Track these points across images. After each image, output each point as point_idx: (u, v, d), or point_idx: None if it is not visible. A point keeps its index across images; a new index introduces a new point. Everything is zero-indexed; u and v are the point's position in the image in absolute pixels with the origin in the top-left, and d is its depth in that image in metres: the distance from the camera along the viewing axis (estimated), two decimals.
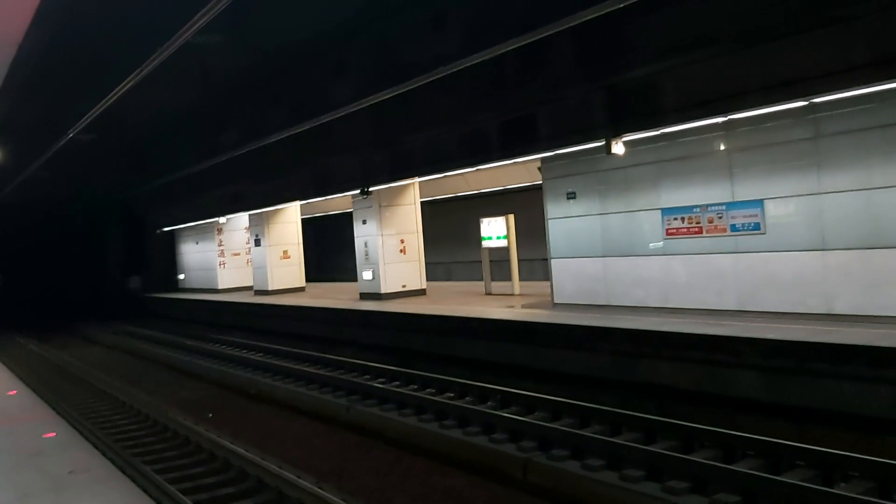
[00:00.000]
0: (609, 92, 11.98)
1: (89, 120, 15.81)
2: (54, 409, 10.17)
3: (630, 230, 13.25)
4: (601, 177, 13.64)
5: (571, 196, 14.20)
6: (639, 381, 10.97)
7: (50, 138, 18.93)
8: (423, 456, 9.52)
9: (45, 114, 16.50)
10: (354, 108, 14.50)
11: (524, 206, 19.51)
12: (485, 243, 18.55)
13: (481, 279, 19.36)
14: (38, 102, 14.58)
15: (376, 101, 14.86)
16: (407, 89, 13.43)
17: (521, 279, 18.43)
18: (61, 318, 34.20)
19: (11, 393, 10.98)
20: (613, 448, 8.20)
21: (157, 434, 11.11)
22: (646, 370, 10.91)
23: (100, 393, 14.80)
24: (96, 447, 7.75)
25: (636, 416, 9.16)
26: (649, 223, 12.89)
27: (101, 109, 14.81)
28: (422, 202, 20.66)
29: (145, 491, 6.78)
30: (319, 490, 7.60)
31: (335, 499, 7.32)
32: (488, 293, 18.48)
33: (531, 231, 18.28)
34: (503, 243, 17.94)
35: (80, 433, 8.40)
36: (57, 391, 14.76)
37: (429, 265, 21.11)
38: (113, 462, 7.36)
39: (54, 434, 8.03)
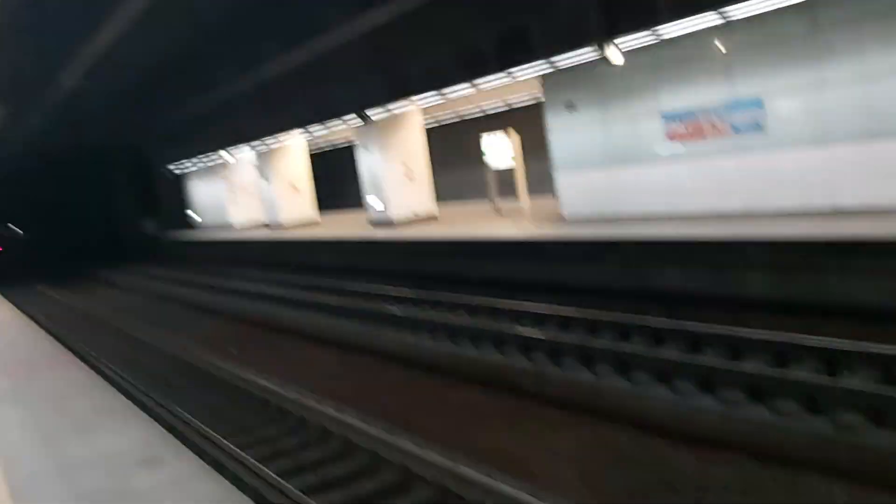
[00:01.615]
0: None
1: (84, 67, 15.70)
2: (77, 354, 10.45)
3: (633, 137, 13.14)
4: (600, 85, 13.43)
5: (571, 107, 14.03)
6: (646, 288, 11.07)
7: (46, 88, 18.84)
8: (440, 375, 9.76)
9: (36, 63, 16.37)
10: (346, 34, 14.29)
11: (528, 122, 19.33)
12: (487, 160, 18.37)
13: (490, 199, 19.34)
14: (29, 51, 14.44)
15: (371, 24, 14.66)
16: (402, 10, 13.22)
17: (529, 195, 18.40)
18: (81, 265, 34.70)
19: (35, 341, 11.28)
20: (622, 356, 8.36)
21: (181, 370, 11.43)
22: (652, 278, 11.00)
23: (121, 335, 15.15)
24: (119, 389, 8.01)
25: (643, 324, 9.29)
26: (651, 129, 12.77)
27: (93, 55, 14.69)
28: (429, 127, 20.51)
29: (169, 429, 7.05)
30: (339, 414, 7.86)
31: (355, 420, 7.58)
32: (497, 212, 18.50)
33: (538, 146, 18.17)
34: (507, 161, 17.82)
35: (103, 376, 8.66)
36: (80, 336, 15.11)
37: (439, 187, 21.11)
38: (134, 403, 7.61)
39: (78, 378, 8.29)
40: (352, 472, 6.74)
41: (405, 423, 7.74)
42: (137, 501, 4.46)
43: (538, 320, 10.72)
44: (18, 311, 15.82)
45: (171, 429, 7.43)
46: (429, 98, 17.03)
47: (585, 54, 12.40)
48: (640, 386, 7.68)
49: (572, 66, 13.11)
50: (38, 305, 21.22)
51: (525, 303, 11.48)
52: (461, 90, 15.93)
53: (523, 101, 19.43)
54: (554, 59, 12.98)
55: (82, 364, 9.40)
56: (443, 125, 23.37)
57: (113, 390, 7.82)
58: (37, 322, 14.95)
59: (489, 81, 15.04)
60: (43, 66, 16.68)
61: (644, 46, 11.95)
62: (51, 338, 11.90)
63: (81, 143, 34.01)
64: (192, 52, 22.50)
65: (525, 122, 19.54)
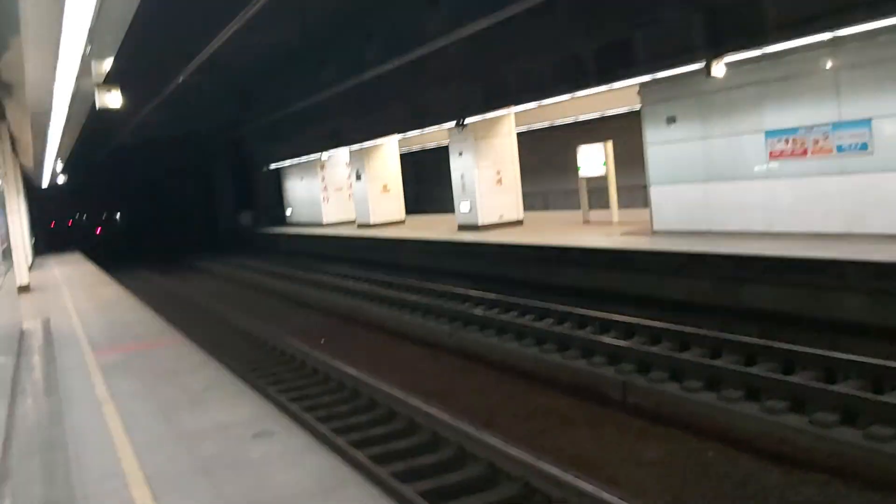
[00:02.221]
0: (708, 11, 11.65)
1: (198, 63, 16.54)
2: (184, 333, 11.05)
3: (732, 154, 13.00)
4: (702, 100, 13.35)
5: (671, 121, 13.98)
6: (741, 306, 10.96)
7: (162, 82, 19.91)
8: (524, 378, 9.93)
9: (157, 59, 17.36)
10: (448, 41, 14.59)
11: (622, 132, 19.27)
12: (581, 171, 18.49)
13: (579, 208, 19.38)
14: (152, 48, 15.38)
15: (470, 32, 14.91)
16: (502, 18, 13.42)
17: (619, 207, 18.35)
18: (178, 252, 36.32)
19: (146, 320, 12.01)
20: (713, 370, 8.35)
21: (275, 357, 11.94)
22: (748, 295, 10.88)
23: (219, 321, 15.88)
24: (224, 367, 8.49)
25: (736, 339, 9.23)
26: (752, 146, 12.61)
27: (209, 53, 15.48)
28: (518, 132, 20.69)
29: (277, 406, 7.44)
30: (427, 407, 8.12)
31: (443, 414, 7.82)
32: (586, 222, 18.52)
33: (630, 158, 18.09)
34: (601, 171, 17.85)
35: (210, 355, 9.18)
36: (181, 319, 15.92)
37: (525, 195, 21.25)
38: (241, 380, 8.06)
39: (187, 356, 8.85)
40: (439, 463, 6.98)
41: (489, 422, 7.94)
42: (251, 468, 4.81)
43: (627, 330, 10.76)
44: (125, 292, 16.77)
45: (278, 405, 7.83)
46: (525, 106, 17.21)
47: (688, 68, 12.34)
48: (729, 401, 7.66)
49: (673, 76, 13.07)
50: (140, 288, 22.37)
51: (613, 313, 11.52)
52: (558, 100, 16.03)
53: (618, 110, 19.35)
54: (656, 74, 12.97)
55: (188, 342, 9.99)
56: (533, 131, 23.47)
57: (219, 368, 8.30)
58: (143, 302, 15.79)
59: (588, 93, 15.09)
60: (164, 63, 17.68)
61: (749, 59, 11.82)
62: (157, 317, 12.62)
63: (187, 136, 35.64)
64: (297, 55, 23.37)
65: (618, 131, 19.49)
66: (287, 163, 33.13)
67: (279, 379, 10.49)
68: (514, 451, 6.56)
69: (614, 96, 17.73)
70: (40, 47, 8.62)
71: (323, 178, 31.50)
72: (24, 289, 16.47)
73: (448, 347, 11.96)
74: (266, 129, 31.62)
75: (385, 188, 26.70)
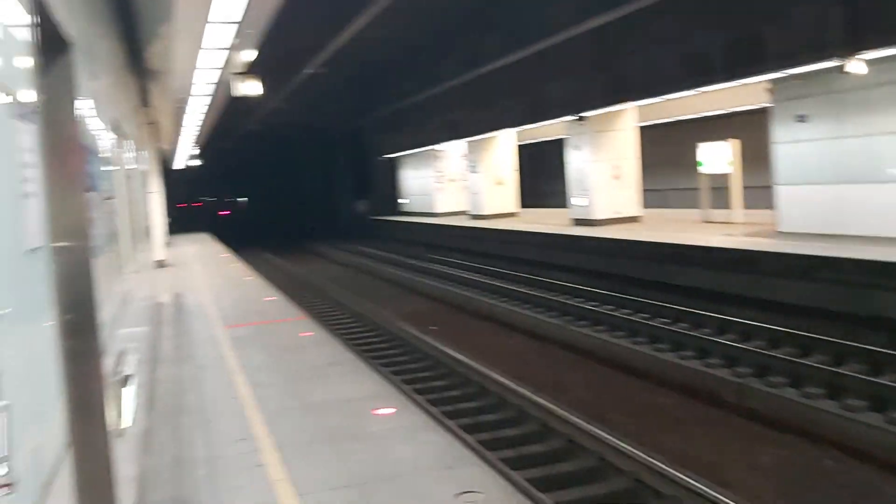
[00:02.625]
0: (847, 4, 11.11)
1: (326, 56, 17.19)
2: (305, 313, 11.56)
3: (867, 155, 12.35)
4: (836, 98, 12.74)
5: (802, 119, 13.41)
6: (869, 313, 10.45)
7: (291, 73, 20.78)
8: (636, 376, 9.85)
9: (288, 51, 18.15)
10: (571, 34, 14.53)
11: (745, 130, 18.60)
12: (703, 168, 17.98)
13: (699, 207, 18.87)
14: (285, 41, 16.08)
15: (595, 25, 14.81)
16: (628, 12, 13.27)
17: (742, 207, 17.74)
18: (297, 237, 37.70)
19: (270, 299, 12.63)
20: (835, 377, 8.04)
21: (389, 341, 12.31)
22: (878, 302, 10.36)
23: (336, 303, 16.47)
24: (344, 345, 8.87)
25: (862, 347, 8.84)
26: (890, 148, 11.95)
27: (336, 46, 16.06)
28: (637, 127, 20.33)
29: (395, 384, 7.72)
30: (537, 398, 8.21)
31: (552, 405, 7.89)
32: (706, 221, 18.03)
33: (752, 156, 17.45)
34: (724, 169, 17.30)
35: (330, 333, 9.60)
36: (301, 299, 16.60)
37: (644, 192, 20.87)
38: (360, 358, 8.40)
39: (308, 333, 9.28)
40: (548, 452, 7.06)
41: (599, 416, 7.94)
42: (372, 441, 5.06)
43: (745, 333, 10.48)
44: (251, 271, 17.62)
45: (394, 384, 8.12)
46: (646, 101, 16.92)
47: (823, 65, 11.82)
48: (851, 410, 7.37)
49: (805, 73, 12.54)
50: (263, 268, 23.42)
51: (732, 314, 11.24)
52: (681, 95, 15.67)
53: (744, 106, 18.68)
54: (788, 71, 12.48)
55: (309, 320, 10.46)
56: (654, 126, 22.97)
57: (339, 345, 8.68)
58: (266, 280, 16.58)
59: (712, 89, 14.69)
60: (294, 55, 18.47)
61: (890, 57, 11.20)
62: (280, 295, 13.23)
63: (310, 125, 36.92)
64: (419, 47, 23.81)
65: (742, 128, 18.83)
66: (403, 153, 33.77)
67: (392, 361, 10.83)
68: (624, 446, 6.57)
69: (740, 93, 17.16)
70: (187, 37, 9.19)
71: (438, 169, 31.93)
72: (160, 264, 17.60)
73: (559, 341, 11.97)
74: (384, 120, 32.38)
75: (499, 180, 26.80)
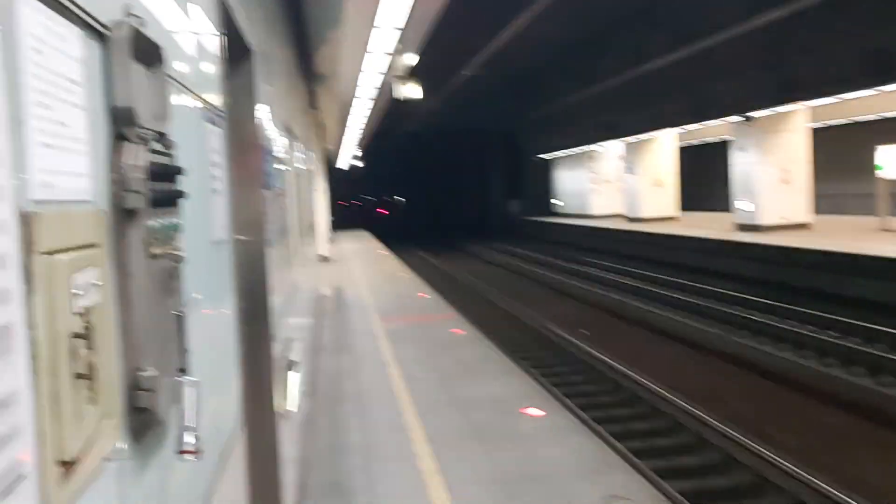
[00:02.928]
0: None
1: (483, 58, 17.40)
2: (457, 310, 11.78)
3: None
4: None
5: None
6: None
7: (448, 76, 21.20)
8: (800, 391, 9.27)
9: (447, 54, 18.53)
10: (738, 31, 13.89)
11: None
12: (880, 173, 16.63)
13: (875, 214, 17.47)
14: (444, 44, 16.44)
15: (763, 21, 14.08)
16: (801, 7, 12.52)
17: None
18: (451, 236, 38.38)
19: (423, 295, 12.96)
20: None
21: (539, 342, 12.28)
22: None
23: (486, 302, 16.62)
24: (494, 344, 8.95)
25: None
26: None
27: (493, 48, 16.21)
28: (809, 128, 19.12)
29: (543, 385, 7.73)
30: (691, 407, 7.92)
31: (709, 417, 7.59)
32: (885, 229, 16.67)
33: None
34: None
35: (480, 331, 9.72)
36: (452, 297, 16.89)
37: (815, 197, 19.61)
38: (509, 357, 8.45)
39: (460, 331, 9.45)
40: (702, 466, 6.81)
41: (758, 431, 7.54)
42: (520, 440, 5.09)
43: None
44: (406, 267, 18.15)
45: (543, 385, 8.12)
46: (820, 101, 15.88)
47: None
48: None
49: None
50: (417, 265, 24.03)
51: None
52: (860, 95, 14.59)
53: None
54: None
55: (461, 318, 10.65)
56: (827, 127, 21.50)
57: (490, 343, 8.78)
58: (419, 277, 17.01)
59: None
60: (452, 57, 18.85)
61: None
62: (434, 292, 13.55)
63: (465, 127, 37.51)
64: (577, 46, 23.57)
65: None
66: (557, 154, 33.55)
67: (540, 363, 10.80)
68: (784, 464, 6.22)
69: None
70: (354, 41, 9.60)
71: (593, 170, 31.48)
72: (323, 259, 18.49)
73: (716, 351, 11.47)
74: (539, 121, 32.31)
75: (658, 182, 26.03)
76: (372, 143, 31.34)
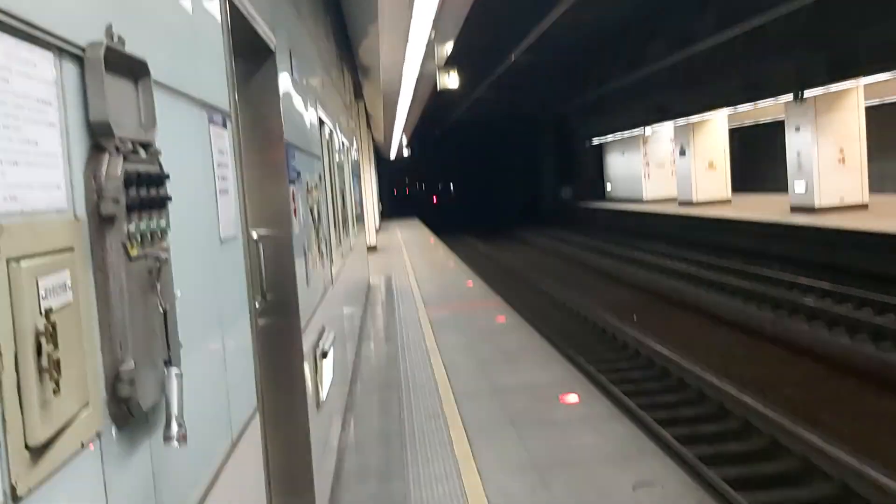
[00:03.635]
0: None
1: (529, 42, 17.28)
2: (502, 297, 11.83)
3: None
4: None
5: None
6: None
7: (495, 62, 21.13)
8: (855, 376, 9.07)
9: (492, 40, 18.48)
10: (790, 8, 13.52)
11: None
12: None
13: None
14: (488, 31, 16.41)
15: None
16: None
17: None
18: (502, 223, 38.34)
19: (470, 284, 13.03)
20: None
21: (588, 328, 12.25)
22: None
23: (536, 289, 16.61)
24: (537, 331, 8.97)
25: None
26: None
27: (539, 32, 16.09)
28: (867, 106, 18.49)
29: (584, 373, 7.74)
30: (741, 395, 7.82)
31: (757, 404, 7.49)
32: None
33: None
34: None
35: (524, 319, 9.75)
36: (500, 284, 16.93)
37: (872, 176, 18.99)
38: (551, 344, 8.46)
39: (504, 318, 9.49)
40: (749, 452, 6.74)
41: (810, 418, 7.42)
42: (556, 427, 5.13)
43: None
44: (455, 256, 18.24)
45: (585, 373, 8.13)
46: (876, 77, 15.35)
47: None
48: None
49: None
50: (467, 254, 24.13)
51: None
52: None
53: None
54: None
55: (506, 305, 10.69)
56: (884, 105, 20.75)
57: (533, 331, 8.80)
58: (467, 265, 17.10)
59: None
60: (497, 44, 18.78)
61: None
62: (480, 280, 13.60)
63: (515, 113, 37.35)
64: (625, 29, 23.24)
65: None
66: (609, 138, 33.18)
67: (588, 349, 10.77)
68: (833, 450, 6.11)
69: None
70: (393, 33, 9.70)
71: (645, 154, 31.04)
72: (371, 249, 18.72)
73: (769, 336, 11.28)
74: (589, 105, 31.96)
75: (710, 165, 25.53)
76: (421, 133, 31.51)
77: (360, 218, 13.83)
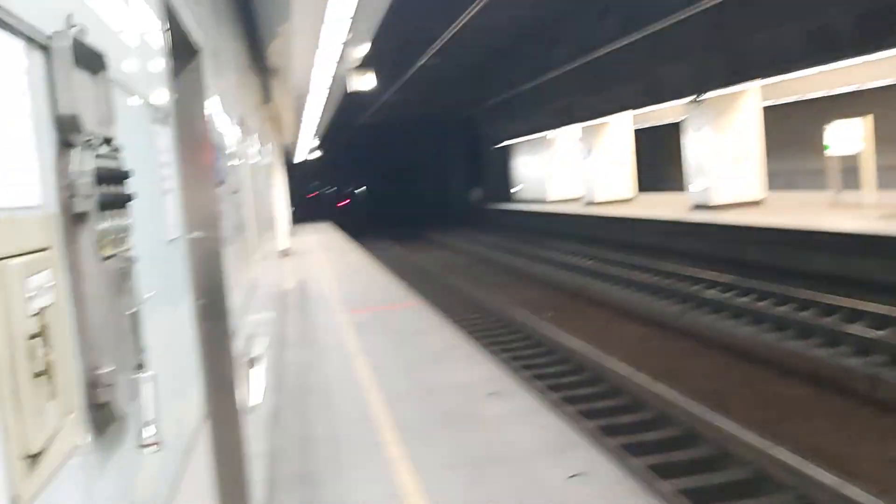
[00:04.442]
0: None
1: (439, 46, 17.41)
2: (422, 299, 11.84)
3: None
4: None
5: None
6: None
7: (405, 66, 21.18)
8: (760, 365, 9.52)
9: (402, 44, 18.51)
10: (688, 13, 14.09)
11: (879, 106, 17.47)
12: (830, 149, 17.02)
13: (827, 189, 17.90)
14: (399, 34, 16.42)
15: (711, 3, 14.31)
16: None
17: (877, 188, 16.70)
18: (413, 225, 38.40)
19: (388, 285, 12.99)
20: None
21: (504, 327, 12.41)
22: None
23: (452, 290, 16.72)
24: (460, 331, 9.03)
25: None
26: None
27: (449, 36, 16.22)
28: (765, 106, 19.47)
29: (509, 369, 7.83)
30: (654, 385, 8.09)
31: (671, 393, 7.76)
32: (835, 203, 17.09)
33: (887, 134, 16.37)
34: (854, 149, 16.30)
35: (445, 320, 9.79)
36: (417, 285, 16.95)
37: (767, 174, 20.00)
38: (474, 342, 8.53)
39: (428, 319, 9.51)
40: (666, 440, 6.97)
41: (720, 405, 7.74)
42: (486, 424, 5.17)
43: (879, 321, 9.92)
44: (370, 258, 18.15)
45: (508, 369, 8.22)
46: (769, 80, 16.19)
47: None
48: None
49: None
50: (381, 256, 24.04)
51: (863, 302, 10.65)
52: (808, 73, 14.90)
53: (878, 81, 17.54)
54: None
55: (426, 306, 10.71)
56: (777, 105, 21.92)
57: (455, 330, 8.85)
58: (383, 268, 17.04)
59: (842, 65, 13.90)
60: (408, 47, 18.81)
61: None
62: (398, 282, 13.58)
63: (424, 116, 37.47)
64: (532, 33, 23.68)
65: (874, 105, 17.70)
66: (516, 140, 33.72)
67: (506, 347, 10.92)
68: (746, 436, 6.40)
69: (872, 67, 16.12)
70: (305, 35, 9.56)
71: (551, 155, 31.70)
72: (284, 253, 18.41)
73: (677, 329, 11.72)
74: (497, 108, 32.41)
75: (614, 165, 26.34)
76: (331, 136, 31.19)
77: (272, 222, 13.59)
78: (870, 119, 16.11)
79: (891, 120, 15.53)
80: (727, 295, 12.63)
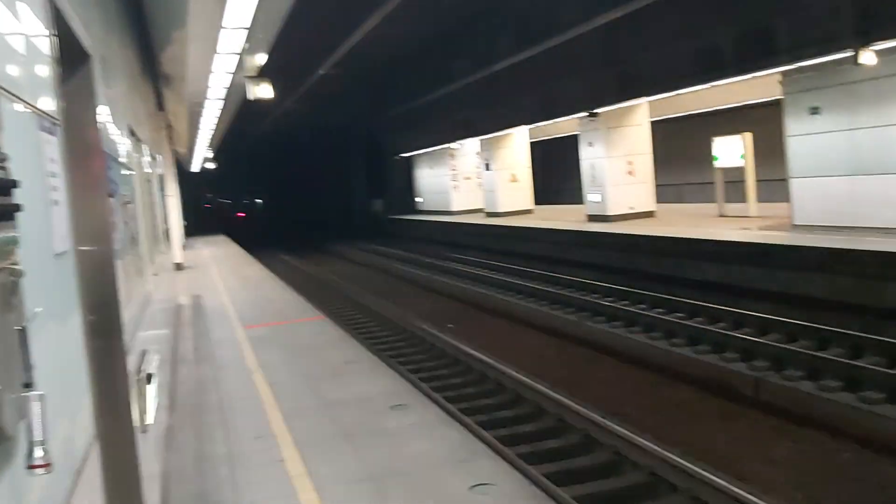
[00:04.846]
0: None
1: (338, 57, 17.31)
2: (321, 312, 11.71)
3: (881, 146, 12.30)
4: (849, 90, 12.69)
5: (815, 111, 13.37)
6: (886, 305, 10.42)
7: (304, 75, 20.94)
8: (652, 371, 9.88)
9: (301, 54, 18.30)
10: (581, 31, 14.55)
11: (760, 123, 18.54)
12: (716, 164, 17.96)
13: (714, 201, 18.84)
14: (298, 44, 16.23)
15: (604, 21, 14.84)
16: (638, 7, 13.29)
17: (757, 200, 17.69)
18: (314, 237, 37.90)
19: (287, 299, 12.77)
20: (853, 370, 8.04)
21: (406, 339, 12.40)
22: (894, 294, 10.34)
23: (354, 302, 16.59)
24: (362, 344, 8.97)
25: (881, 340, 8.82)
26: None
27: (348, 47, 16.17)
28: (652, 121, 20.31)
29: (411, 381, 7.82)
30: (554, 393, 8.26)
31: (569, 400, 7.94)
32: (722, 215, 18.00)
33: (768, 149, 17.38)
34: (738, 163, 17.24)
35: (347, 333, 9.72)
36: (318, 299, 16.74)
37: (658, 186, 20.85)
38: (375, 355, 8.50)
39: (329, 333, 9.40)
40: (566, 447, 7.12)
41: (616, 412, 7.98)
42: (389, 437, 5.15)
43: (761, 327, 10.48)
44: (268, 272, 17.79)
45: (410, 382, 8.21)
46: (659, 96, 16.92)
47: (834, 57, 11.79)
48: (869, 403, 7.38)
49: (817, 65, 12.52)
50: (280, 269, 23.60)
51: (748, 308, 11.24)
52: (694, 90, 15.66)
53: (758, 99, 18.60)
54: (800, 63, 12.48)
55: (327, 320, 10.59)
56: (667, 120, 22.92)
57: (357, 344, 8.79)
58: (284, 282, 16.74)
59: (726, 83, 14.68)
60: (307, 57, 18.61)
61: None
62: (298, 296, 13.38)
63: (325, 126, 37.11)
64: (432, 46, 23.88)
65: (757, 121, 18.77)
66: (418, 152, 33.88)
67: (409, 360, 10.92)
68: (640, 441, 6.61)
69: (754, 85, 17.12)
70: (200, 42, 9.33)
71: (452, 168, 32.02)
72: (178, 266, 17.82)
73: (575, 337, 12.02)
74: (398, 120, 32.50)
75: (514, 177, 26.86)
76: (227, 145, 30.46)
77: (166, 234, 13.15)
78: (749, 136, 17.08)
79: (770, 136, 16.46)
80: (622, 304, 13.06)
